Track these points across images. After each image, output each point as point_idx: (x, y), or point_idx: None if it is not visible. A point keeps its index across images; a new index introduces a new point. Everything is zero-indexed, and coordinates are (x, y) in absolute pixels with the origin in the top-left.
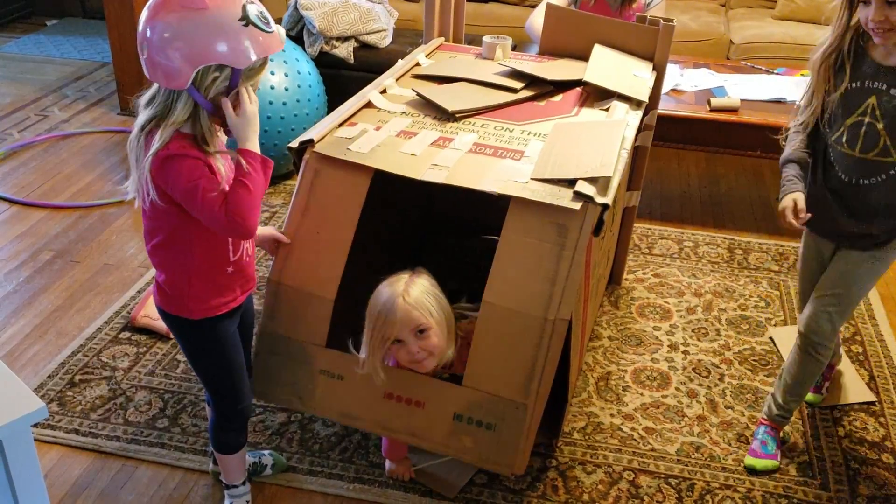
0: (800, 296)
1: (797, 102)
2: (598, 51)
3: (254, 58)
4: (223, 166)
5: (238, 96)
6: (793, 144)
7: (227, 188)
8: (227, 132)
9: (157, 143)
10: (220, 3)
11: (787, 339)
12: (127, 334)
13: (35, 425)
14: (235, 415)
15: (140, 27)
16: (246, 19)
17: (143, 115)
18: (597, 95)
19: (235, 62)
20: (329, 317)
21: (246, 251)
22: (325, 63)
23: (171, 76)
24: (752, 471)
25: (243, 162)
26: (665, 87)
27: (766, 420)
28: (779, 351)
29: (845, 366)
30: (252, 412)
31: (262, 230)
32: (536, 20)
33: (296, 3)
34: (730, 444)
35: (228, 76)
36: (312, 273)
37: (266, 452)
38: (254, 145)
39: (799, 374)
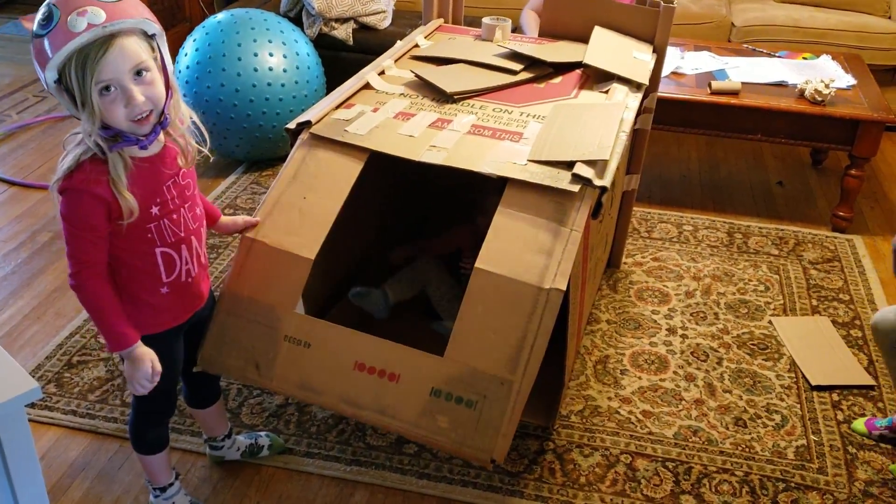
0: None
1: None
2: (598, 33)
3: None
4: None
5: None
6: None
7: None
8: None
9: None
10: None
11: (789, 329)
12: None
13: (32, 406)
14: (159, 416)
15: None
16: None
17: None
18: (596, 78)
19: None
20: (305, 278)
21: (187, 272)
22: (323, 44)
23: None
24: None
25: None
26: (666, 70)
27: None
28: (779, 336)
29: (842, 350)
30: (174, 411)
31: (229, 220)
32: (527, 19)
33: None
34: (727, 428)
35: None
36: (293, 233)
37: (262, 434)
38: None
39: None
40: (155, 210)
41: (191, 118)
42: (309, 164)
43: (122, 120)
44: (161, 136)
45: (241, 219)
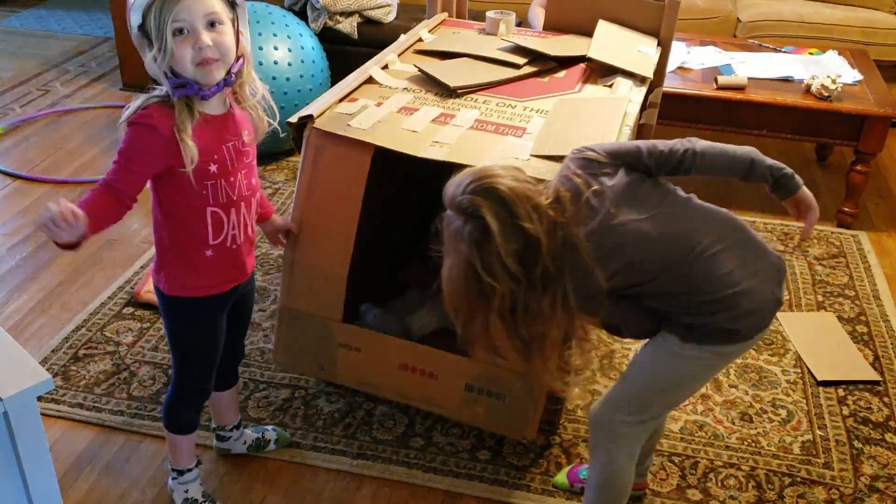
0: None
1: None
2: (603, 27)
3: None
4: (194, 146)
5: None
6: None
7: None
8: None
9: None
10: None
11: (795, 325)
12: (130, 309)
13: (39, 399)
14: (194, 395)
15: None
16: None
17: None
18: (600, 72)
19: None
20: (343, 293)
21: (233, 238)
22: (328, 38)
23: None
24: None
25: None
26: (672, 65)
27: None
28: (785, 332)
29: (847, 345)
30: (208, 398)
31: (278, 220)
32: (535, 14)
33: None
34: (733, 423)
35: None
36: (324, 251)
37: (269, 427)
38: None
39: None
40: (213, 168)
41: (263, 93)
42: (320, 172)
43: (189, 63)
44: (227, 98)
45: (280, 223)
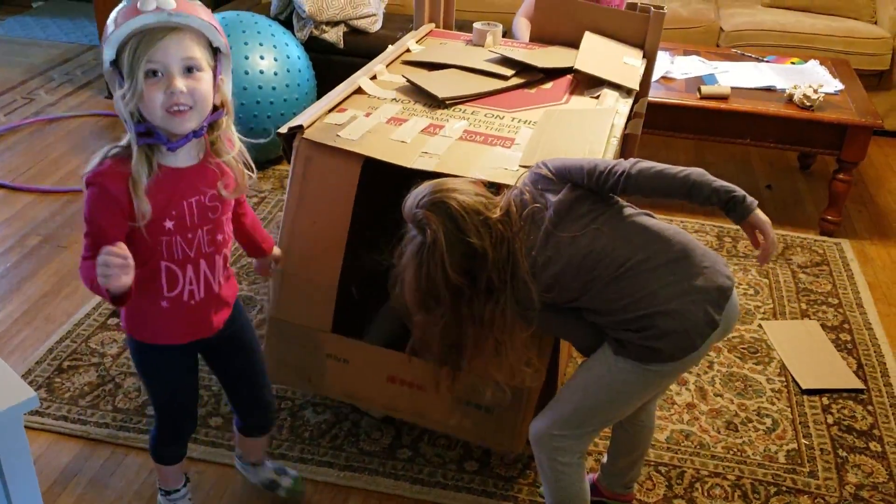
0: None
1: None
2: (589, 38)
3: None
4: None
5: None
6: None
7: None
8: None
9: None
10: None
11: (779, 333)
12: (115, 320)
13: None
14: (174, 433)
15: None
16: None
17: None
18: (587, 83)
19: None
20: (333, 303)
21: (191, 293)
22: (314, 48)
23: None
24: None
25: None
26: (655, 75)
27: None
28: (769, 340)
29: (831, 354)
30: (193, 432)
31: (275, 252)
32: (520, 26)
33: None
34: (719, 432)
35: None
36: (313, 262)
37: (289, 472)
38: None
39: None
40: (169, 224)
41: (240, 146)
42: (310, 183)
43: (159, 107)
44: (201, 152)
45: (276, 253)
